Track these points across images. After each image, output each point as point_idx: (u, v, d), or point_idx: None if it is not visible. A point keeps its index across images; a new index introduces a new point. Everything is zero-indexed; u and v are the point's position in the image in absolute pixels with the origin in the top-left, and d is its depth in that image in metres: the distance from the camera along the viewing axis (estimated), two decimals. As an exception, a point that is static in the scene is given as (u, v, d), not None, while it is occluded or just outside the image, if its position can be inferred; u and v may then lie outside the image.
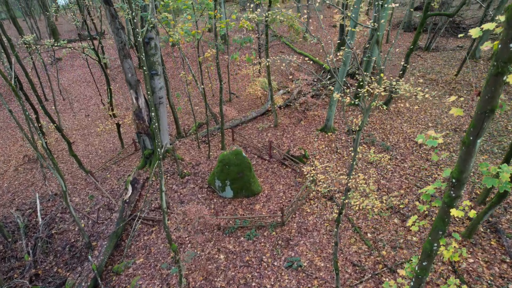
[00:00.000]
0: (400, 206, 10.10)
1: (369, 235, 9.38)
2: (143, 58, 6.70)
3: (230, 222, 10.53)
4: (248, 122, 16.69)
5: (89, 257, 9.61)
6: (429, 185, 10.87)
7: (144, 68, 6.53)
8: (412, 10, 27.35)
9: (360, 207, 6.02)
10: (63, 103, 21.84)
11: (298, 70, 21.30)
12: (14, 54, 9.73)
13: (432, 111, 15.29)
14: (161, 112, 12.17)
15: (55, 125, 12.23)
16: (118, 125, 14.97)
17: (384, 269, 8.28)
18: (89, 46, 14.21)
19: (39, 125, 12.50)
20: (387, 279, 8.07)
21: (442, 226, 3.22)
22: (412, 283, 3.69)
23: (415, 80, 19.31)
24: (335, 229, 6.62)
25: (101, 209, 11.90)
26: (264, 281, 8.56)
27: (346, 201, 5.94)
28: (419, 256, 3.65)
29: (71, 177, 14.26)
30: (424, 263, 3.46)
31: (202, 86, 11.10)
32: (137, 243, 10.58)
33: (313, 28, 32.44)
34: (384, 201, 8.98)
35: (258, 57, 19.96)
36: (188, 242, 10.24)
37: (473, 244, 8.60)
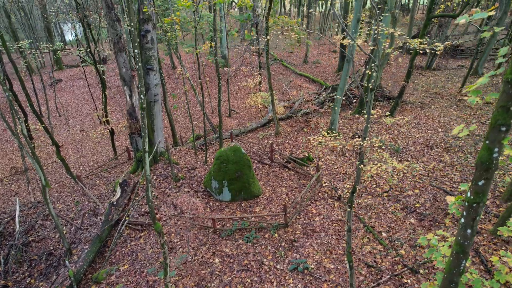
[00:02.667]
0: (416, 205, 9.10)
1: (383, 234, 8.30)
2: (133, 31, 6.14)
3: (227, 225, 9.47)
4: (248, 133, 16.00)
5: (66, 262, 8.44)
6: (445, 185, 9.95)
7: (138, 60, 5.94)
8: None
9: (378, 172, 5.16)
10: (59, 119, 21.33)
11: (300, 83, 21.01)
12: None
13: (440, 118, 14.64)
14: (155, 111, 11.52)
15: (42, 125, 11.56)
16: (112, 133, 14.27)
17: (405, 269, 7.14)
18: (89, 58, 13.96)
19: (26, 124, 11.80)
20: (408, 281, 6.91)
21: (505, 119, 2.38)
22: (463, 219, 2.76)
23: (418, 94, 18.93)
24: (348, 209, 5.67)
25: (86, 214, 10.84)
26: (265, 285, 7.39)
27: (361, 165, 5.06)
28: (470, 183, 2.77)
29: (58, 186, 13.30)
30: (480, 183, 2.57)
31: (199, 80, 10.55)
32: (123, 249, 9.43)
33: (314, 53, 32.89)
34: (406, 167, 7.99)
35: (258, 69, 19.72)
36: (179, 246, 9.11)
37: (506, 242, 7.52)
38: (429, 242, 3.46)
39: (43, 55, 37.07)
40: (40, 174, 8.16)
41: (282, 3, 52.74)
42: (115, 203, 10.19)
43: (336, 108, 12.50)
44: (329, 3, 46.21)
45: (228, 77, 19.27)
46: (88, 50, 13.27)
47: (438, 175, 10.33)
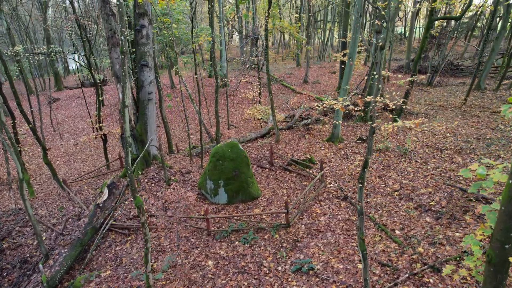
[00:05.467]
0: (431, 203, 8.25)
1: (397, 232, 7.41)
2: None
3: (223, 226, 8.58)
4: (248, 142, 15.35)
5: (40, 266, 7.47)
6: (461, 184, 9.15)
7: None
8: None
9: (395, 130, 4.43)
10: (53, 133, 20.78)
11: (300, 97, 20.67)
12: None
13: (447, 125, 14.05)
14: (149, 110, 10.95)
15: (30, 126, 10.97)
16: (105, 140, 13.63)
17: (425, 267, 6.20)
18: (85, 63, 13.67)
19: (13, 123, 11.19)
20: (430, 280, 5.96)
21: None
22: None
23: (421, 107, 18.47)
24: (359, 185, 4.92)
25: (70, 219, 9.94)
26: (265, 288, 6.41)
27: (375, 125, 4.38)
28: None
29: (43, 195, 12.45)
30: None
31: (196, 76, 10.08)
32: (107, 254, 8.47)
33: (314, 74, 33.02)
34: (425, 126, 7.16)
35: (259, 84, 19.43)
36: (169, 249, 8.17)
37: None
38: (475, 173, 2.70)
39: (37, 59, 36.88)
40: (17, 164, 7.43)
41: (282, 33, 54.23)
42: (101, 205, 9.32)
43: (338, 111, 11.94)
44: (327, 31, 47.54)
45: (227, 90, 18.95)
46: (84, 54, 12.97)
47: (452, 175, 9.55)
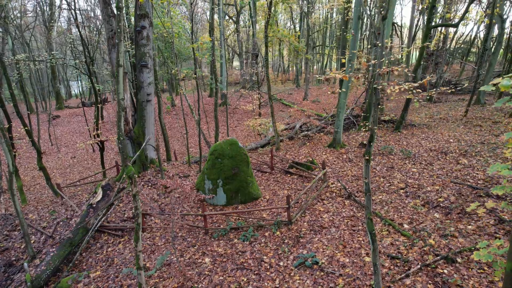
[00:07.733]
0: (439, 200, 7.88)
1: (405, 226, 7.00)
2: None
3: (221, 226, 8.15)
4: (248, 152, 15.08)
5: (25, 264, 6.99)
6: (469, 182, 8.81)
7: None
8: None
9: (401, 90, 4.17)
10: (50, 147, 20.53)
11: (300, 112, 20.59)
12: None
13: (450, 133, 13.85)
14: (147, 112, 10.79)
15: (25, 128, 10.77)
16: (102, 147, 13.37)
17: (438, 258, 5.77)
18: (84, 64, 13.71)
19: (8, 126, 10.96)
20: (445, 271, 5.52)
21: None
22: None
23: (422, 120, 18.36)
24: (366, 158, 4.66)
25: (61, 222, 9.49)
26: (266, 284, 5.94)
27: (380, 87, 4.17)
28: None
29: (36, 202, 12.01)
30: None
31: (195, 76, 9.99)
32: (98, 255, 7.99)
33: (314, 94, 33.27)
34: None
35: (258, 94, 19.42)
36: (164, 249, 7.70)
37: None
38: (499, 85, 2.42)
39: (38, 67, 37.24)
40: (7, 156, 7.15)
41: (281, 57, 55.48)
42: (94, 205, 8.91)
43: (340, 113, 11.79)
44: (326, 56, 48.60)
45: (226, 107, 18.91)
46: (84, 61, 13.01)
47: (459, 175, 9.22)
